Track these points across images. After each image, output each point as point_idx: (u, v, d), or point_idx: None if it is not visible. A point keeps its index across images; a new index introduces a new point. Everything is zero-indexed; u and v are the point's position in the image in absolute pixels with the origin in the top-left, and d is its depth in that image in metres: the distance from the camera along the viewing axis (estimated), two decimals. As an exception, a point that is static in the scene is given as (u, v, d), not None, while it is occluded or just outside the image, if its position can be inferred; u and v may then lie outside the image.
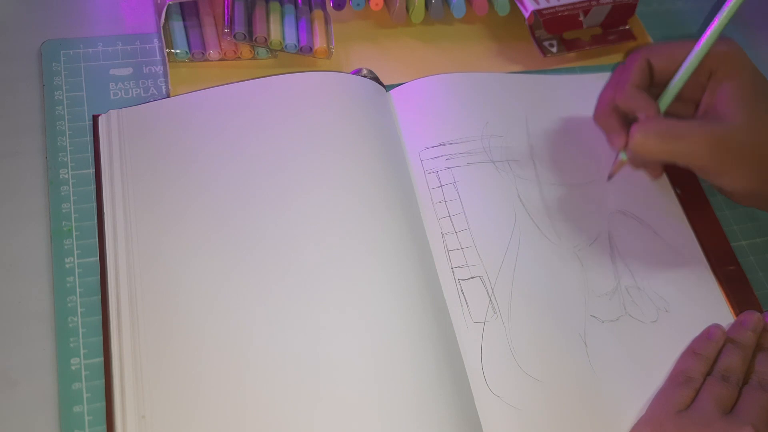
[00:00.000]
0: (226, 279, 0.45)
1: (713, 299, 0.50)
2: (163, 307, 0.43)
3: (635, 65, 0.49)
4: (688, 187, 0.55)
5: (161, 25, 0.53)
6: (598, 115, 0.51)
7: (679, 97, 0.50)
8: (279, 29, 0.56)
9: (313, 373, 0.42)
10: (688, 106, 0.51)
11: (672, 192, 0.55)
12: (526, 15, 0.59)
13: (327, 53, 0.57)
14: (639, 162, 0.51)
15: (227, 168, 0.49)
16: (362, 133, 0.51)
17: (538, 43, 0.60)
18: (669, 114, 0.50)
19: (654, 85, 0.50)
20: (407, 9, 0.60)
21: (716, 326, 0.48)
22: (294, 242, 0.46)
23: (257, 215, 0.47)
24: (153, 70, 0.55)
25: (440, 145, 0.53)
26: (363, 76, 0.55)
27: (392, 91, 0.55)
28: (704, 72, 0.49)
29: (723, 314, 0.49)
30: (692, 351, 0.47)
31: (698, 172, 0.49)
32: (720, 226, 0.54)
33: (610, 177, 0.53)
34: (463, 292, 0.47)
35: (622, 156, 0.51)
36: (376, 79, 0.56)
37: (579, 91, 0.57)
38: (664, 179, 0.55)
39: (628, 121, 0.50)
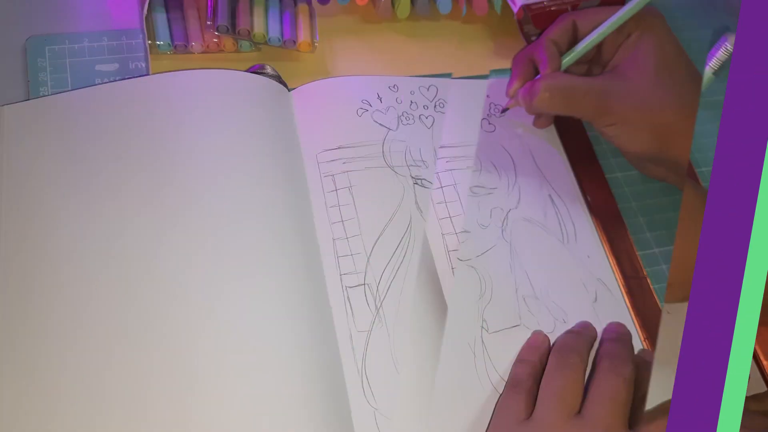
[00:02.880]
0: (95, 288, 0.43)
1: (617, 310, 0.48)
2: (25, 310, 0.42)
3: (561, 23, 0.52)
4: (597, 193, 0.54)
5: (144, 17, 0.54)
6: (514, 58, 0.53)
7: (590, 58, 0.53)
8: (263, 22, 0.55)
9: (179, 384, 0.40)
10: (593, 66, 0.54)
11: (581, 198, 0.53)
12: (515, 10, 0.59)
13: (311, 47, 0.56)
14: (534, 111, 0.53)
15: (107, 169, 0.47)
16: (251, 132, 0.49)
17: (527, 38, 0.60)
18: (570, 71, 0.52)
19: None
20: (393, 4, 0.60)
21: (538, 333, 0.46)
22: (171, 245, 0.44)
23: (130, 218, 0.45)
24: (139, 66, 0.55)
25: (339, 148, 0.51)
26: (264, 73, 0.54)
27: (293, 92, 0.53)
28: (623, 33, 0.51)
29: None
30: (518, 360, 0.45)
31: (594, 124, 0.51)
32: (626, 230, 0.53)
33: (503, 111, 0.54)
34: (349, 300, 0.45)
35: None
36: (278, 77, 0.54)
37: (475, 95, 0.57)
38: (575, 187, 0.54)
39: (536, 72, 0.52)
